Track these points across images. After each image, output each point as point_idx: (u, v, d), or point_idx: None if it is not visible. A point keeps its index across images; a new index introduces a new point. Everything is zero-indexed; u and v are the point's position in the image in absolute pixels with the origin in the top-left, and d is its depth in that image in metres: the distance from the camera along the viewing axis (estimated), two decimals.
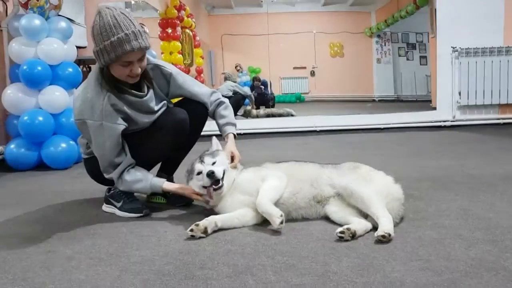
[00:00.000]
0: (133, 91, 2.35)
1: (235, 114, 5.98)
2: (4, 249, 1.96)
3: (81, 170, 2.85)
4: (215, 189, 2.16)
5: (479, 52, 5.92)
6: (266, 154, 4.39)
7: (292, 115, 7.24)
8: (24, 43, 4.05)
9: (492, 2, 5.91)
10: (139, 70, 2.26)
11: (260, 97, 9.22)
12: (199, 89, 2.57)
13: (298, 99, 11.74)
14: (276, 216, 1.95)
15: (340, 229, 1.85)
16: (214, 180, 2.14)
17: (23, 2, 4.03)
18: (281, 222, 1.93)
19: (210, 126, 2.70)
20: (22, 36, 4.06)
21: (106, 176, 2.38)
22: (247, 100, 8.60)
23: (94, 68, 2.35)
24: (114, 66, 2.22)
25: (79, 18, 5.34)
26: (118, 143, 2.31)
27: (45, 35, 4.08)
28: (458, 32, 5.92)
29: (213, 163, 2.20)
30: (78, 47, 4.67)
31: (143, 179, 2.36)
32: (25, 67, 3.95)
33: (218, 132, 2.57)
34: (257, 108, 8.50)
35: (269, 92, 9.61)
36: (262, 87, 9.51)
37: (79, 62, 4.77)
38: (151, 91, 2.42)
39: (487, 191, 2.60)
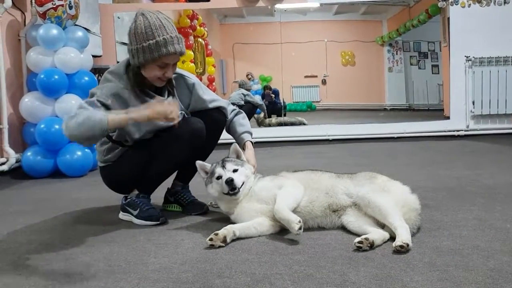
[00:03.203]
0: (153, 93, 2.41)
1: None
2: (25, 256, 1.99)
3: (97, 177, 2.89)
4: (230, 194, 2.18)
5: (492, 61, 5.89)
6: (279, 162, 4.40)
7: (304, 124, 7.23)
8: (41, 52, 4.13)
9: (505, 11, 5.88)
10: (171, 74, 2.34)
11: (271, 106, 9.24)
12: (219, 98, 2.64)
13: (309, 108, 11.73)
14: (294, 221, 1.94)
15: (358, 238, 1.85)
16: (232, 188, 2.16)
17: (41, 12, 4.10)
18: (300, 228, 1.93)
19: (227, 135, 2.71)
20: (40, 45, 4.13)
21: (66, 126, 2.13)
22: (258, 109, 8.62)
23: (117, 69, 2.38)
24: (150, 66, 2.28)
25: (94, 28, 5.42)
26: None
27: (62, 44, 4.15)
28: (471, 41, 5.90)
29: (234, 170, 2.21)
30: (94, 56, 4.74)
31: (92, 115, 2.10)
32: (42, 76, 4.02)
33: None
34: (269, 116, 8.52)
35: (280, 100, 9.62)
36: (273, 95, 9.53)
37: (94, 71, 4.83)
38: (170, 97, 2.46)
39: (503, 201, 2.58)
